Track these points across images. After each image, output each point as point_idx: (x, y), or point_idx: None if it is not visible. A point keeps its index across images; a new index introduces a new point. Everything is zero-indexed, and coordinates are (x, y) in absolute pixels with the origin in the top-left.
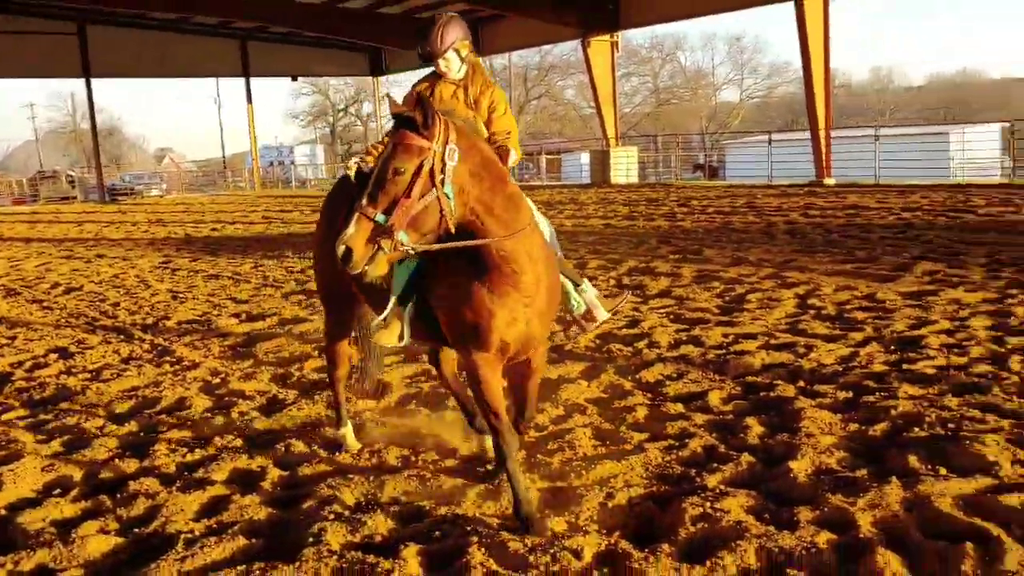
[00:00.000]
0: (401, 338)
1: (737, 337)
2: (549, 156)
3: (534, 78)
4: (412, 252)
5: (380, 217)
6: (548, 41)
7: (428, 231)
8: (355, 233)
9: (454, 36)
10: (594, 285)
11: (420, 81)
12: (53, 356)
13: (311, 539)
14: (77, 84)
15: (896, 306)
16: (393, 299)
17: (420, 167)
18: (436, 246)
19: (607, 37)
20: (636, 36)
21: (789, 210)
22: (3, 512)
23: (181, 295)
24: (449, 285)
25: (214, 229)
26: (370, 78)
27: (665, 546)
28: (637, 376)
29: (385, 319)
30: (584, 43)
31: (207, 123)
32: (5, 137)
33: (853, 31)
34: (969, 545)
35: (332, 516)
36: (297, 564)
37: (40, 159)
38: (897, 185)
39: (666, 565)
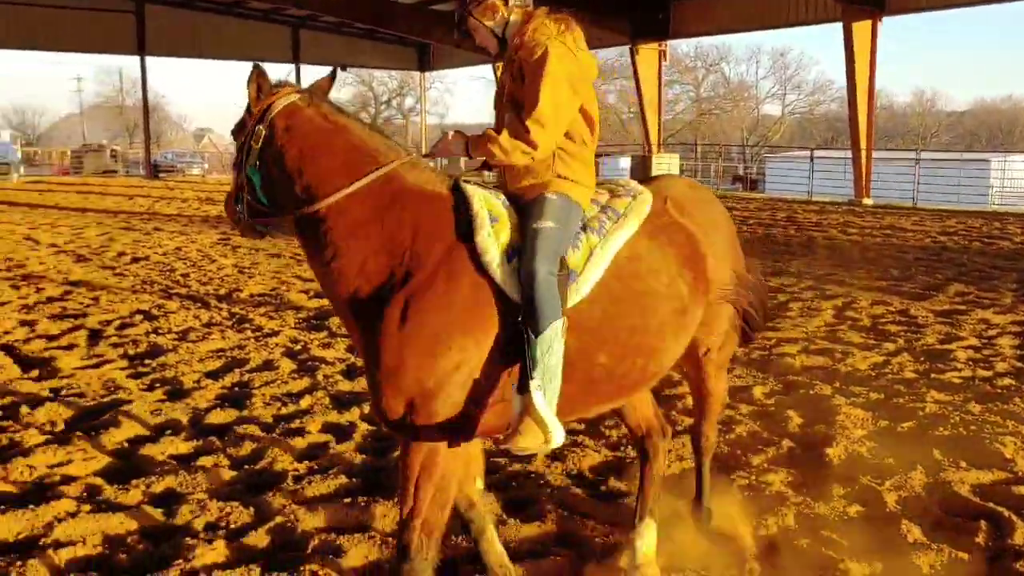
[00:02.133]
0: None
1: (779, 341)
2: None
3: None
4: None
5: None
6: (596, 47)
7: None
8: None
9: None
10: None
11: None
12: (138, 317)
13: None
14: (125, 60)
15: (927, 322)
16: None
17: (241, 142)
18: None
19: (655, 45)
20: (680, 45)
21: (828, 226)
22: (126, 445)
23: (247, 270)
24: None
25: None
26: (416, 73)
27: None
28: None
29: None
30: (632, 50)
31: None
32: (51, 109)
33: (898, 54)
34: (983, 522)
35: None
36: (395, 500)
37: (84, 132)
38: (934, 209)
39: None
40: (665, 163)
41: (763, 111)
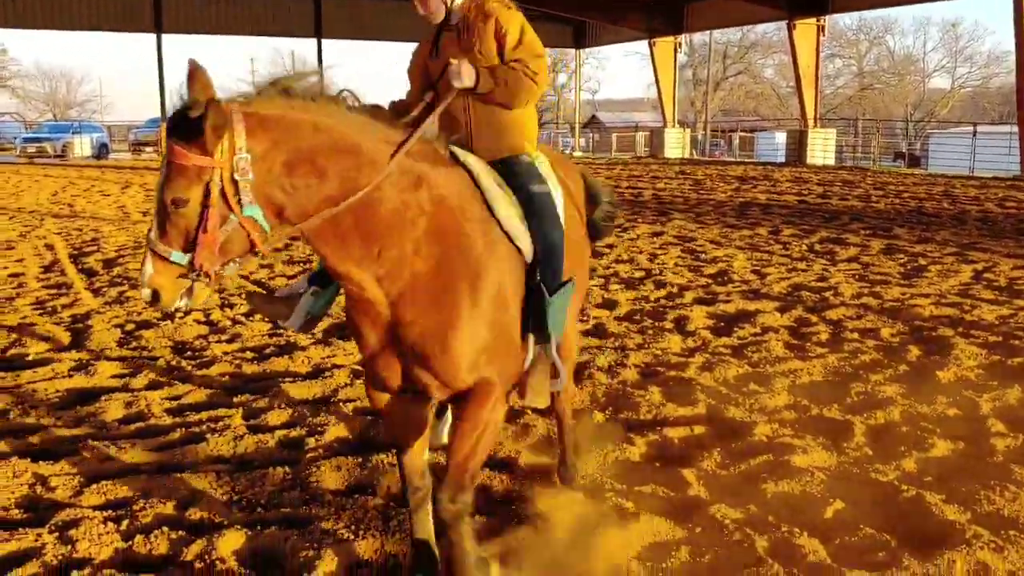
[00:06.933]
0: None
1: (912, 295)
2: (743, 134)
3: (734, 55)
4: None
5: (177, 256)
6: (753, 22)
7: (246, 255)
8: (156, 275)
9: None
10: (786, 251)
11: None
12: None
13: (587, 375)
14: (297, 43)
15: None
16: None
17: (207, 192)
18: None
19: (814, 20)
20: (843, 18)
21: (985, 200)
22: None
23: None
24: None
25: None
26: (571, 50)
27: (835, 405)
28: (822, 314)
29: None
30: (790, 25)
31: (397, 86)
32: (226, 87)
33: None
34: None
35: (595, 369)
36: (580, 386)
37: None
38: None
39: (835, 414)
40: (821, 138)
41: (931, 85)
